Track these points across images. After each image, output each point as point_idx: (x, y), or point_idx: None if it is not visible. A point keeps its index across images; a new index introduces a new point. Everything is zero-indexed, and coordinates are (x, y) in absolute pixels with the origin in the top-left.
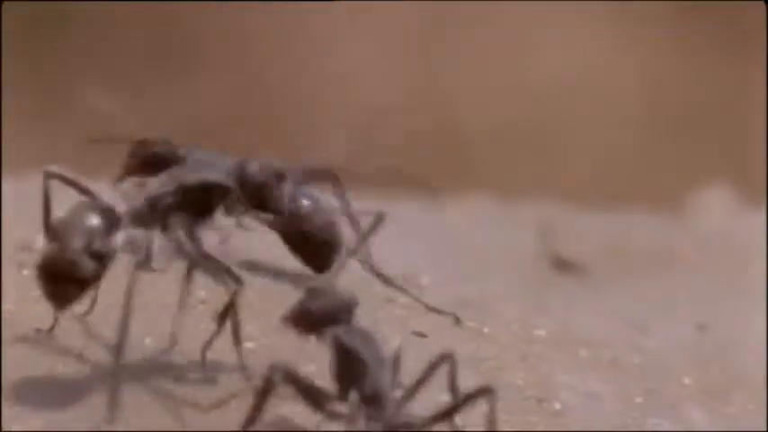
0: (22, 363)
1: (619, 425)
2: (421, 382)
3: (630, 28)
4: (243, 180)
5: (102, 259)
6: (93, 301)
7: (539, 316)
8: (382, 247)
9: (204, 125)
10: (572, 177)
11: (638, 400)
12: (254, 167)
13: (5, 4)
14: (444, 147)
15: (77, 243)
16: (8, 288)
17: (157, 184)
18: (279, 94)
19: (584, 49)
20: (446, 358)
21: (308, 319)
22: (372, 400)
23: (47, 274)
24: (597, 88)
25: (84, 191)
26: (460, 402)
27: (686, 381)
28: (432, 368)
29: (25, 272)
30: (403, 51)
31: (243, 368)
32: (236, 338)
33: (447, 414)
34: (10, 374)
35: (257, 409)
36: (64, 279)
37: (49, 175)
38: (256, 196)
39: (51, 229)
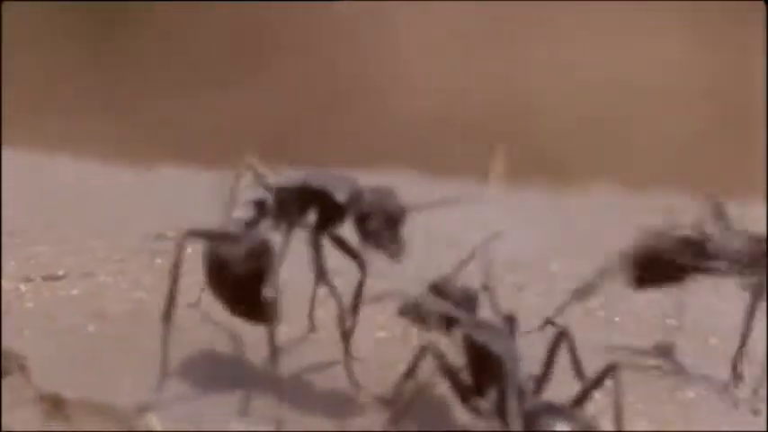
0: (154, 352)
1: (751, 416)
2: (549, 367)
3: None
4: (354, 206)
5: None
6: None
7: (669, 305)
8: (511, 234)
9: (274, 124)
10: (695, 167)
11: None
12: (370, 198)
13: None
14: (566, 137)
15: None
16: (142, 276)
17: (285, 180)
18: (351, 91)
19: (674, 48)
20: (563, 336)
21: (430, 315)
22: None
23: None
24: (685, 86)
25: (266, 187)
26: (591, 385)
27: None
28: (553, 349)
29: (158, 260)
30: (488, 46)
31: (353, 380)
32: (347, 351)
33: (582, 398)
34: (143, 365)
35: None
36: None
37: (246, 166)
38: (363, 228)
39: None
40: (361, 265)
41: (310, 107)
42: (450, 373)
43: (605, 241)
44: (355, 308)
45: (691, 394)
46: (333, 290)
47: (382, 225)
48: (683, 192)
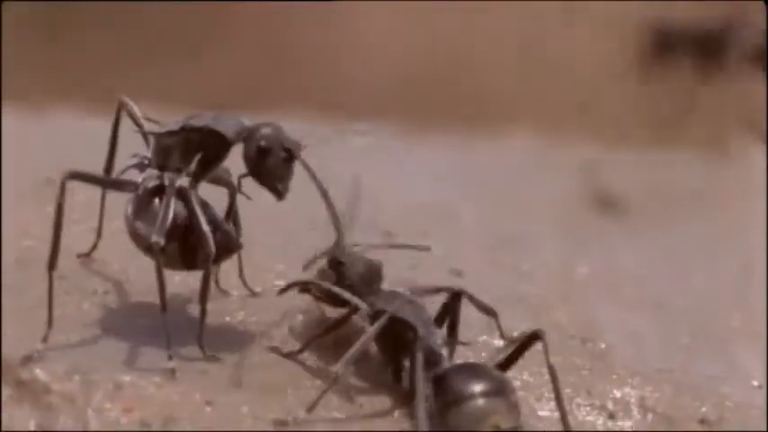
0: (43, 301)
1: (665, 366)
2: (444, 325)
3: None
4: (249, 142)
5: None
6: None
7: (580, 255)
8: (422, 185)
9: (232, 92)
10: (613, 118)
11: (684, 341)
12: (266, 133)
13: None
14: (482, 87)
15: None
16: (31, 223)
17: (165, 125)
18: (306, 55)
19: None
20: (458, 295)
21: (334, 291)
22: (429, 362)
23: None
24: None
25: (138, 125)
26: (515, 352)
27: (734, 322)
28: (446, 307)
29: (48, 208)
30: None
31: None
32: (204, 298)
33: (507, 364)
34: (30, 315)
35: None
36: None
37: (121, 105)
38: (257, 163)
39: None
40: (233, 189)
41: (267, 73)
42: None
43: (521, 194)
44: (236, 224)
45: (602, 345)
46: (205, 235)
47: (277, 161)
48: (599, 142)
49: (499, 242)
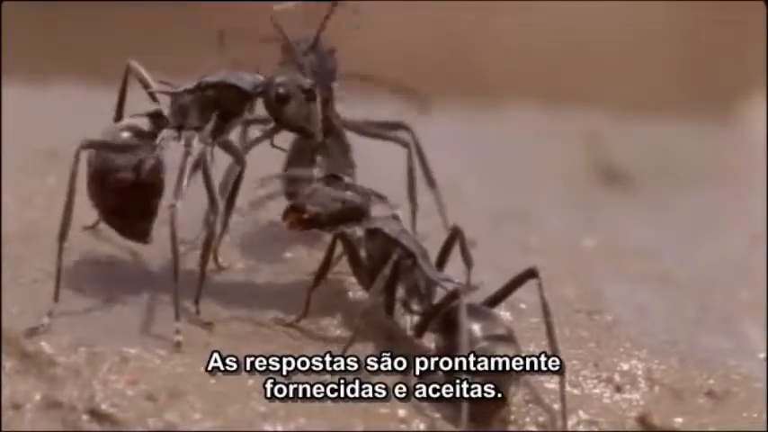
0: (47, 273)
1: (671, 339)
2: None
3: None
4: (268, 90)
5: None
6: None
7: (586, 227)
8: (428, 158)
9: None
10: (619, 88)
11: (691, 314)
12: (282, 80)
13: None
14: (487, 57)
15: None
16: (34, 195)
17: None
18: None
19: None
20: (457, 233)
21: (328, 208)
22: (421, 292)
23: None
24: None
25: (147, 86)
26: (509, 287)
27: (741, 295)
28: (447, 246)
29: (50, 179)
30: None
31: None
32: (204, 261)
33: (498, 299)
34: (34, 287)
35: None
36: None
37: (129, 69)
38: (280, 111)
39: None
40: (241, 163)
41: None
42: (358, 263)
43: (526, 165)
44: (231, 201)
45: (609, 317)
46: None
47: (299, 104)
48: (601, 112)
49: (505, 215)
